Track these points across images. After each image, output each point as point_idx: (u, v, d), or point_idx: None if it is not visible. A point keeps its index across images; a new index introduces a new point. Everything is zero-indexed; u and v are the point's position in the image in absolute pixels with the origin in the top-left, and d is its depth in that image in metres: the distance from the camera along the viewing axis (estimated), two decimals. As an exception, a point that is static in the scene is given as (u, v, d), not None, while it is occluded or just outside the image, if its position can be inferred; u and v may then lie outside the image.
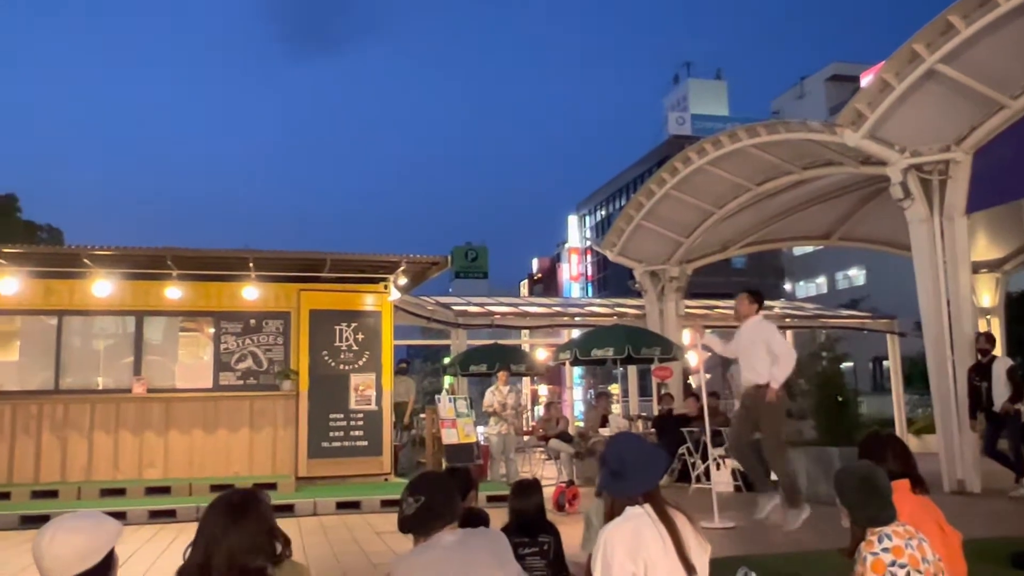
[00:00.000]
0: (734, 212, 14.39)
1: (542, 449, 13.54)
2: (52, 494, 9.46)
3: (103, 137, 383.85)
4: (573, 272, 67.60)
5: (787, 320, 19.18)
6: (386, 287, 11.48)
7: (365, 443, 11.12)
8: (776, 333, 7.58)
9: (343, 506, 9.33)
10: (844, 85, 49.02)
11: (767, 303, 23.09)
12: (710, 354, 8.61)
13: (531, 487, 4.42)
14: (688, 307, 16.71)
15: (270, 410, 10.85)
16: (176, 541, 7.24)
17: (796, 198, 14.24)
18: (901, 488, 3.33)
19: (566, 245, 70.69)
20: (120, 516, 2.10)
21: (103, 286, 10.24)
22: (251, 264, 10.65)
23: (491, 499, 8.51)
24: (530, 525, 4.20)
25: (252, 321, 11.10)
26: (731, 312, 18.74)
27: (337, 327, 11.28)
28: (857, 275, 44.48)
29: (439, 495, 2.71)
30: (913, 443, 14.62)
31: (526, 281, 78.51)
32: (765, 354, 7.28)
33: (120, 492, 9.63)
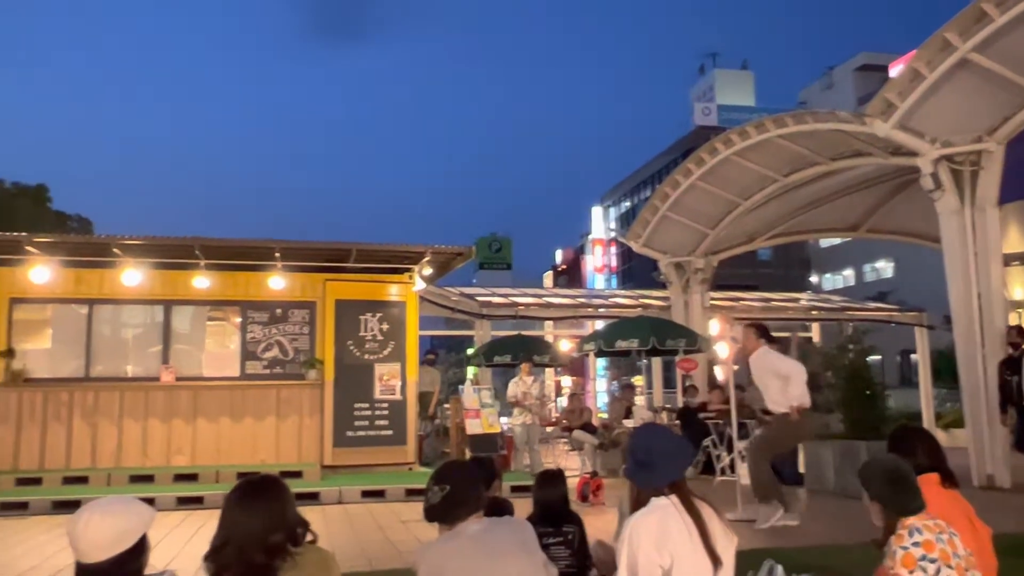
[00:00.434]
0: (760, 203, 14.28)
1: (565, 440, 13.56)
2: (82, 480, 9.62)
3: (133, 130, 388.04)
4: (597, 263, 67.38)
5: (813, 313, 18.99)
6: (411, 277, 11.52)
7: (390, 432, 11.19)
8: (779, 358, 7.57)
9: (368, 494, 9.41)
10: (873, 75, 48.32)
11: (793, 295, 22.94)
12: (740, 345, 8.59)
13: (556, 477, 4.42)
14: (713, 299, 16.62)
15: (296, 399, 10.94)
16: (204, 528, 7.33)
17: (824, 189, 14.09)
18: (931, 482, 3.30)
19: (590, 236, 70.43)
20: (149, 502, 2.14)
21: (132, 275, 10.37)
22: (278, 254, 10.74)
23: (515, 489, 8.54)
24: (555, 515, 4.20)
25: (278, 310, 11.19)
26: (757, 304, 18.75)
27: (362, 317, 11.34)
28: (885, 267, 43.96)
29: (464, 484, 2.72)
30: (941, 438, 14.43)
31: (550, 272, 78.41)
32: (772, 381, 7.39)
33: (149, 479, 9.78)
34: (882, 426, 9.42)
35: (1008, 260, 13.35)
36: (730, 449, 10.67)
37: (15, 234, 10.25)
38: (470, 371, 16.93)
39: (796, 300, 20.52)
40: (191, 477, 9.83)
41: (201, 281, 10.66)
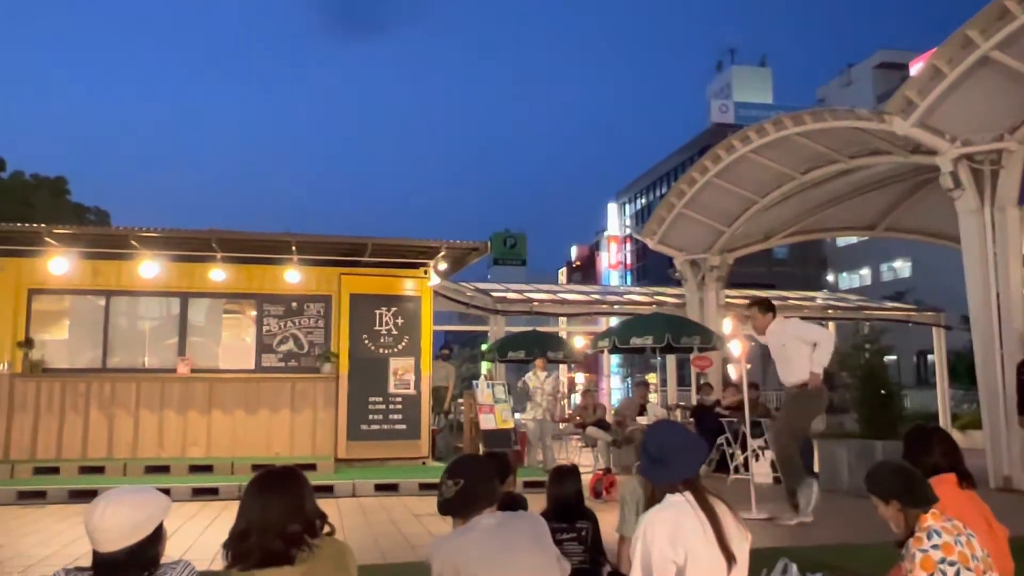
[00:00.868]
0: (777, 201, 14.19)
1: (579, 437, 13.55)
2: (99, 470, 9.71)
3: (152, 127, 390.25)
4: (612, 260, 67.34)
5: (829, 312, 18.91)
6: (426, 272, 11.54)
7: (403, 427, 11.22)
8: (804, 324, 7.50)
9: (381, 488, 9.43)
10: (892, 73, 47.99)
11: (809, 294, 22.79)
12: (753, 343, 8.55)
13: (570, 473, 4.42)
14: (728, 296, 16.55)
15: (311, 392, 10.99)
16: (218, 519, 7.37)
17: (841, 187, 13.99)
18: (948, 482, 3.28)
19: (605, 233, 70.38)
20: (164, 493, 2.15)
21: (149, 267, 10.43)
22: (293, 248, 10.78)
23: (528, 485, 8.54)
24: (568, 511, 4.20)
25: (294, 304, 11.24)
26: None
27: (377, 311, 11.37)
28: (902, 267, 43.63)
29: (479, 478, 2.73)
30: (958, 439, 14.32)
31: (564, 269, 78.42)
32: (799, 348, 7.27)
33: (164, 469, 9.86)
34: (898, 426, 9.37)
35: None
36: (744, 447, 10.63)
37: (34, 225, 10.37)
38: (484, 366, 16.95)
39: (812, 299, 20.44)
40: (206, 468, 9.89)
41: (217, 274, 10.72)
